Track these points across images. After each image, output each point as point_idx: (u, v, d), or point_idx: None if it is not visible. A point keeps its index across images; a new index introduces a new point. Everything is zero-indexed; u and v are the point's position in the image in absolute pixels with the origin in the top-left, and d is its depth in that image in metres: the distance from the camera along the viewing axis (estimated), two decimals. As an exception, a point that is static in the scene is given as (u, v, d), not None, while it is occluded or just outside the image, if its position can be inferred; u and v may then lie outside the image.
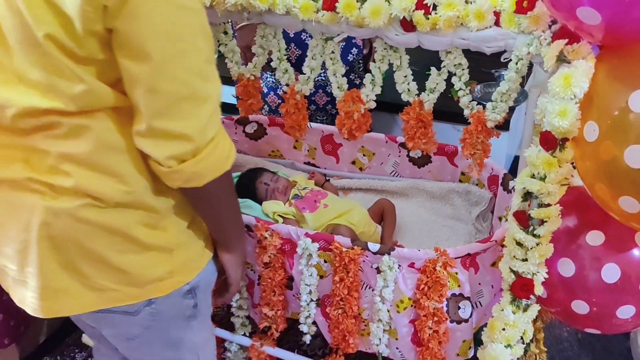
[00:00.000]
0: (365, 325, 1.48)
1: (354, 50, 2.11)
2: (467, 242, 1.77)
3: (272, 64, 1.60)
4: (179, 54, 0.88)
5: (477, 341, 1.39)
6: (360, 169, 2.03)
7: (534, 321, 1.24)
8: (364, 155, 2.00)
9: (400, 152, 1.94)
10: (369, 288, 1.43)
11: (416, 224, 1.87)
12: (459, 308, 1.38)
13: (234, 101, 1.84)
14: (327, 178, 2.03)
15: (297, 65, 1.99)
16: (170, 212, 1.03)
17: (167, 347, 1.16)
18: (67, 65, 0.87)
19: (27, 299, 1.02)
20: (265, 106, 2.20)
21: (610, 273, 1.12)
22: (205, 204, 1.06)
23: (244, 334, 1.67)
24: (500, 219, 1.68)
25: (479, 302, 1.44)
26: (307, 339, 1.53)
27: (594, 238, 1.14)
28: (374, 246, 1.37)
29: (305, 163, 2.09)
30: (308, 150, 2.06)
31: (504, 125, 1.40)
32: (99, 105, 0.92)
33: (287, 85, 1.63)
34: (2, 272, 1.06)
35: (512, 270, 1.16)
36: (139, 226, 1.00)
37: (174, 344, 1.16)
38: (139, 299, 1.04)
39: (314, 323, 1.52)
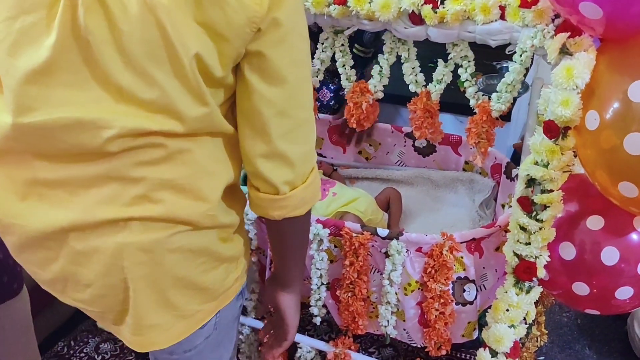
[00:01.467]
0: (374, 308, 1.52)
1: None
2: (470, 228, 1.80)
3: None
4: (306, 81, 0.93)
5: (481, 324, 1.44)
6: (367, 158, 2.06)
7: (536, 305, 1.28)
8: (370, 145, 2.04)
9: (405, 142, 1.98)
10: (378, 272, 1.47)
11: (421, 211, 1.91)
12: (464, 291, 1.42)
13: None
14: (335, 168, 2.07)
15: None
16: (237, 224, 1.03)
17: (214, 350, 1.11)
18: (199, 86, 0.84)
19: (123, 332, 0.99)
20: None
21: (610, 256, 1.15)
22: (293, 236, 1.07)
23: (255, 317, 1.72)
24: (503, 206, 1.72)
25: (483, 285, 1.49)
26: (317, 320, 1.57)
27: (594, 222, 1.17)
28: (383, 231, 1.41)
29: None
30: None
31: (506, 116, 1.44)
32: (208, 129, 0.90)
33: None
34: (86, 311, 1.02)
35: (515, 254, 1.20)
36: (218, 241, 0.99)
37: (221, 345, 1.13)
38: (214, 312, 1.03)
39: (324, 306, 1.56)
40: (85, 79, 0.81)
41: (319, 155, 2.11)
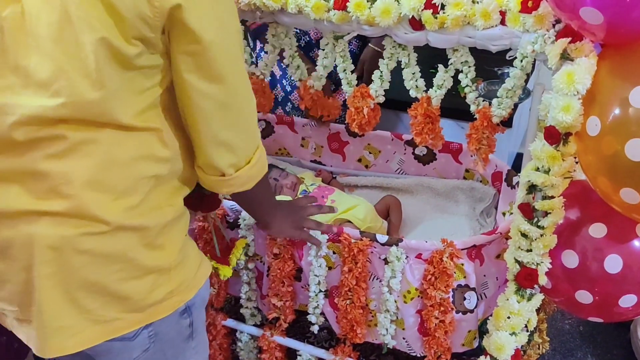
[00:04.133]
0: (373, 317, 1.51)
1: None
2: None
3: (284, 61, 1.64)
4: (242, 72, 1.02)
5: (482, 332, 1.43)
6: (366, 166, 2.05)
7: (538, 312, 1.27)
8: (369, 152, 2.03)
9: (405, 149, 1.97)
10: (377, 279, 1.46)
11: (421, 220, 1.89)
12: (465, 299, 1.41)
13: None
14: (334, 175, 2.06)
15: (306, 49, 2.04)
16: (165, 228, 1.01)
17: None
18: (99, 68, 0.87)
19: (32, 339, 0.98)
20: (289, 104, 2.22)
21: (613, 264, 1.14)
22: (251, 199, 1.18)
23: (254, 324, 1.71)
24: (503, 214, 1.70)
25: (484, 293, 1.48)
26: (315, 329, 1.56)
27: (597, 230, 1.17)
28: (382, 237, 1.40)
29: (311, 161, 2.12)
30: (315, 149, 2.09)
31: (507, 123, 1.43)
32: (109, 118, 0.91)
33: (300, 80, 1.67)
34: (0, 315, 1.02)
35: (517, 261, 1.19)
36: (139, 247, 0.98)
37: None
38: (140, 324, 1.02)
39: (322, 314, 1.55)
40: (1, 66, 0.87)
41: (319, 163, 2.10)
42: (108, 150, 0.92)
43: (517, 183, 1.47)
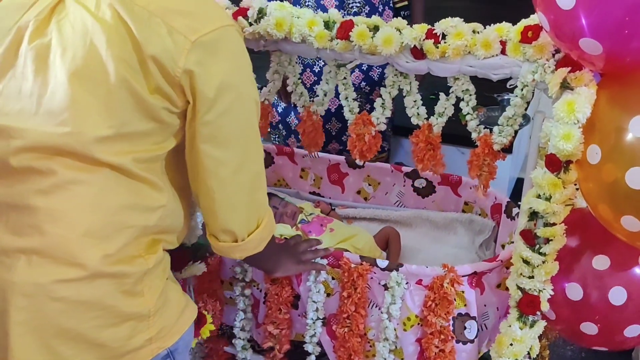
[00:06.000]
0: (371, 347, 1.48)
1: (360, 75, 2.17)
2: None
3: (287, 88, 1.65)
4: (254, 139, 1.06)
5: (485, 358, 1.42)
6: (365, 198, 2.05)
7: (540, 338, 1.26)
8: (369, 185, 2.03)
9: (405, 181, 1.97)
10: (376, 307, 1.44)
11: (420, 252, 1.88)
12: (465, 328, 1.39)
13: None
14: (333, 207, 2.06)
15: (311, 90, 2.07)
16: (145, 275, 0.99)
17: None
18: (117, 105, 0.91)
19: None
20: (281, 126, 2.24)
21: (617, 296, 1.15)
22: (258, 256, 1.16)
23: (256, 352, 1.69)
24: (503, 246, 1.69)
25: (485, 324, 1.46)
26: (311, 359, 1.54)
27: (600, 262, 1.17)
28: (383, 262, 1.39)
29: (310, 193, 2.11)
30: (314, 180, 2.09)
31: (507, 149, 1.44)
32: (110, 158, 0.92)
33: (302, 107, 1.69)
34: None
35: (519, 287, 1.19)
36: (117, 294, 0.95)
37: None
38: None
39: (319, 344, 1.52)
40: (17, 91, 0.91)
41: (317, 195, 2.10)
42: (98, 194, 0.93)
43: (517, 214, 1.47)
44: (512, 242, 1.21)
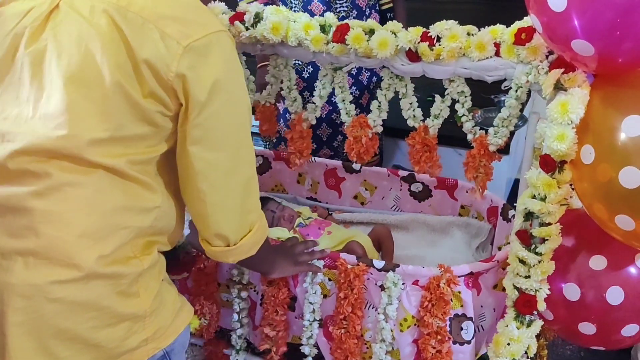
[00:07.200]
0: (368, 348, 1.48)
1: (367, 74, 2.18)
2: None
3: (282, 92, 1.66)
4: (245, 142, 1.05)
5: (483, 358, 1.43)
6: (362, 203, 2.06)
7: (538, 338, 1.27)
8: (365, 189, 2.04)
9: (401, 185, 1.98)
10: (373, 308, 1.44)
11: (417, 256, 1.87)
12: (462, 329, 1.39)
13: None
14: (330, 212, 2.06)
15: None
16: (140, 277, 1.00)
17: None
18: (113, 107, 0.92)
19: None
20: None
21: (615, 296, 1.16)
22: (253, 258, 1.16)
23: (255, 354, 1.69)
24: (499, 248, 1.68)
25: (481, 325, 1.46)
26: None
27: (597, 262, 1.18)
28: (379, 263, 1.40)
29: (307, 198, 2.12)
30: (311, 185, 2.10)
31: (504, 149, 1.45)
32: (103, 160, 0.93)
33: (295, 112, 1.70)
34: None
35: (515, 287, 1.20)
36: (113, 295, 0.96)
37: None
38: None
39: (315, 345, 1.52)
40: (13, 96, 0.93)
41: (314, 200, 2.11)
42: (94, 195, 0.93)
43: (513, 216, 1.48)
44: (509, 244, 1.21)
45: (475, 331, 1.42)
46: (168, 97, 0.94)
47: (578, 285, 1.19)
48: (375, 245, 1.82)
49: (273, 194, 2.12)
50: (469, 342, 1.40)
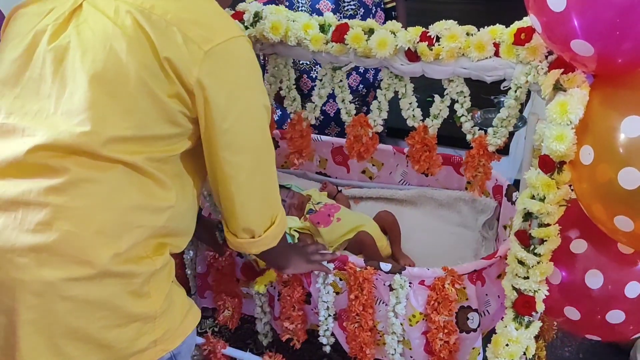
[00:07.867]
0: (381, 336, 1.52)
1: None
2: (474, 249, 1.82)
3: (281, 92, 1.66)
4: (267, 143, 1.10)
5: (488, 341, 1.44)
6: (370, 177, 2.09)
7: (537, 339, 1.27)
8: (373, 165, 2.06)
9: (408, 162, 1.97)
10: (383, 303, 1.48)
11: (424, 232, 1.92)
12: (468, 319, 1.43)
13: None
14: (339, 189, 2.08)
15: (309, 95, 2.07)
16: (152, 277, 1.00)
17: None
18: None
19: None
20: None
21: (594, 280, 1.16)
22: (271, 252, 1.20)
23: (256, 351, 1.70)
24: (505, 227, 1.73)
25: (487, 310, 1.49)
26: (327, 349, 1.57)
27: (578, 246, 1.18)
28: (386, 266, 1.42)
29: (317, 173, 2.14)
30: (319, 162, 2.12)
31: (504, 150, 1.45)
32: (123, 157, 0.94)
33: (294, 112, 1.70)
34: None
35: (514, 288, 1.20)
36: (125, 295, 0.96)
37: None
38: None
39: (332, 335, 1.57)
40: (35, 92, 0.95)
41: (324, 175, 2.13)
42: (111, 192, 0.94)
43: (517, 199, 1.48)
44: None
45: (480, 317, 1.45)
46: (189, 99, 0.96)
47: (560, 268, 1.19)
48: (382, 229, 1.84)
49: (283, 171, 2.15)
50: (475, 330, 1.44)
